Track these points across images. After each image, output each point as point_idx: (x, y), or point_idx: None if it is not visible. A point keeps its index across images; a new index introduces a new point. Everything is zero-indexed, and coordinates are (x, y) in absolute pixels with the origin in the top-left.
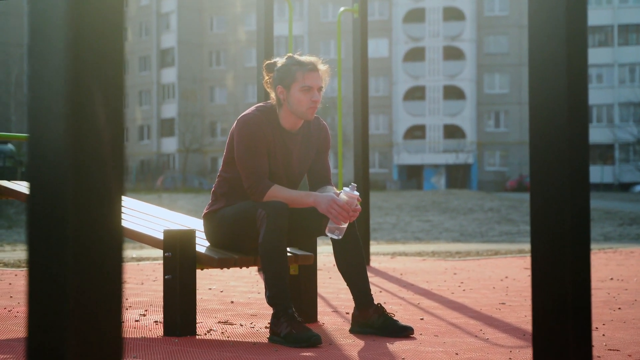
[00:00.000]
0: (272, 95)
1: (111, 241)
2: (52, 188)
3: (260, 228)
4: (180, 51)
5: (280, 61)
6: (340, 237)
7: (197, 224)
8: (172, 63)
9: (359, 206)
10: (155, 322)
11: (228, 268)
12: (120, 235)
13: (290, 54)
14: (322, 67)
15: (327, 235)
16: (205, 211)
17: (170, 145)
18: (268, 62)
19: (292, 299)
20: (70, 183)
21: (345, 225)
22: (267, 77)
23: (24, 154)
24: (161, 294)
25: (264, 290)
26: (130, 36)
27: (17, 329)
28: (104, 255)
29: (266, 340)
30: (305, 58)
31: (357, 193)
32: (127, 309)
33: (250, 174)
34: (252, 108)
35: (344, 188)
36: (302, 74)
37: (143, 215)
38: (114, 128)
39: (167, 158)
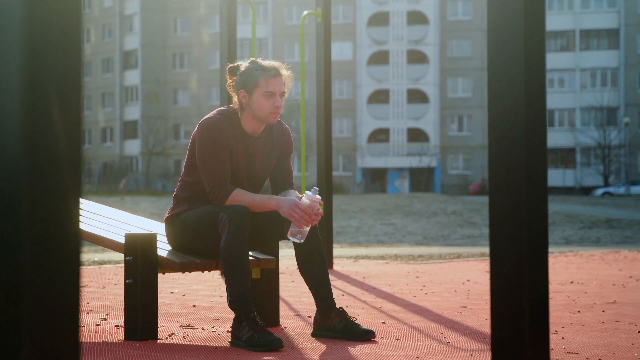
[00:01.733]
0: (235, 98)
1: (68, 244)
2: (7, 191)
3: (222, 232)
4: (143, 53)
5: (243, 65)
6: (302, 240)
7: (159, 228)
8: (135, 65)
9: (320, 210)
10: (117, 326)
11: (190, 272)
12: (78, 237)
13: (254, 59)
14: (285, 73)
15: (289, 239)
16: (166, 215)
17: (133, 147)
18: (231, 65)
19: (254, 302)
20: (26, 186)
21: (307, 229)
22: (229, 81)
23: None
24: (123, 297)
25: (226, 294)
26: (93, 38)
27: None
28: (61, 258)
29: (228, 345)
30: (269, 63)
31: (319, 197)
32: (88, 313)
33: (212, 178)
34: (214, 112)
35: (306, 192)
36: (264, 80)
37: (105, 219)
38: (71, 130)
39: (130, 161)
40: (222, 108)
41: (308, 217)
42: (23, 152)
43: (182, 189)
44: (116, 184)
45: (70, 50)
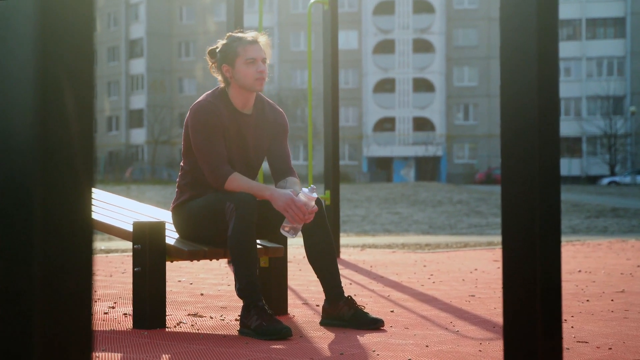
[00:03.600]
0: (220, 77)
1: (81, 233)
2: (20, 180)
3: (229, 221)
4: (149, 42)
5: (220, 42)
6: (294, 236)
7: (166, 216)
8: (140, 54)
9: (316, 206)
10: (125, 314)
11: (198, 260)
12: (90, 227)
13: (229, 33)
14: (262, 39)
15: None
16: (172, 204)
17: (139, 136)
18: (210, 48)
19: (262, 291)
20: (38, 175)
21: (300, 226)
22: (211, 63)
23: None
24: (130, 286)
25: (234, 282)
26: (98, 26)
27: None
28: (73, 247)
29: (236, 333)
30: (245, 33)
31: (316, 195)
32: (96, 302)
33: (209, 160)
34: (203, 95)
35: (303, 189)
36: (243, 48)
37: (112, 207)
38: (83, 119)
39: (136, 149)
40: (210, 91)
41: (302, 215)
42: (36, 143)
43: (183, 176)
44: (122, 173)
45: (82, 39)
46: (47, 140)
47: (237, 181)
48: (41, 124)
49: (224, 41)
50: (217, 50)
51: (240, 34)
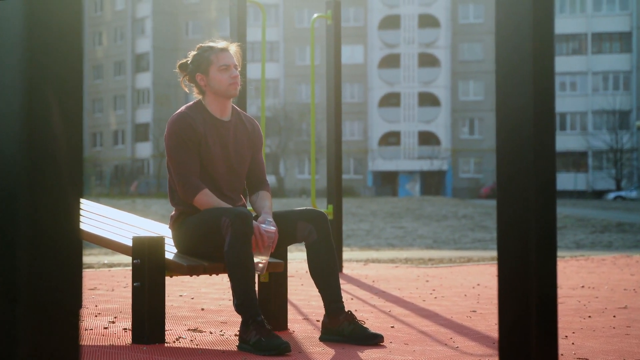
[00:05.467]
0: (195, 89)
1: (68, 245)
2: (6, 193)
3: (225, 236)
4: (155, 56)
5: (191, 54)
6: (259, 273)
7: (167, 231)
8: (147, 68)
9: (271, 240)
10: (124, 329)
11: (197, 275)
12: (78, 239)
13: (200, 44)
14: (232, 48)
15: (299, 242)
16: (171, 220)
17: (144, 150)
18: (180, 62)
19: (262, 306)
20: (24, 186)
21: (265, 263)
22: (182, 77)
23: None
24: (131, 300)
25: (232, 297)
26: (105, 41)
27: None
28: (60, 260)
29: (235, 348)
30: (215, 42)
31: (273, 229)
32: (96, 316)
33: (181, 173)
34: (181, 107)
35: (264, 223)
36: (216, 56)
37: (113, 222)
38: (71, 132)
39: (142, 163)
40: (187, 104)
41: (260, 242)
42: (22, 153)
43: (170, 191)
44: (127, 187)
45: (70, 52)
46: (33, 152)
47: (207, 197)
48: (28, 136)
49: (195, 52)
50: (189, 62)
51: (211, 43)
